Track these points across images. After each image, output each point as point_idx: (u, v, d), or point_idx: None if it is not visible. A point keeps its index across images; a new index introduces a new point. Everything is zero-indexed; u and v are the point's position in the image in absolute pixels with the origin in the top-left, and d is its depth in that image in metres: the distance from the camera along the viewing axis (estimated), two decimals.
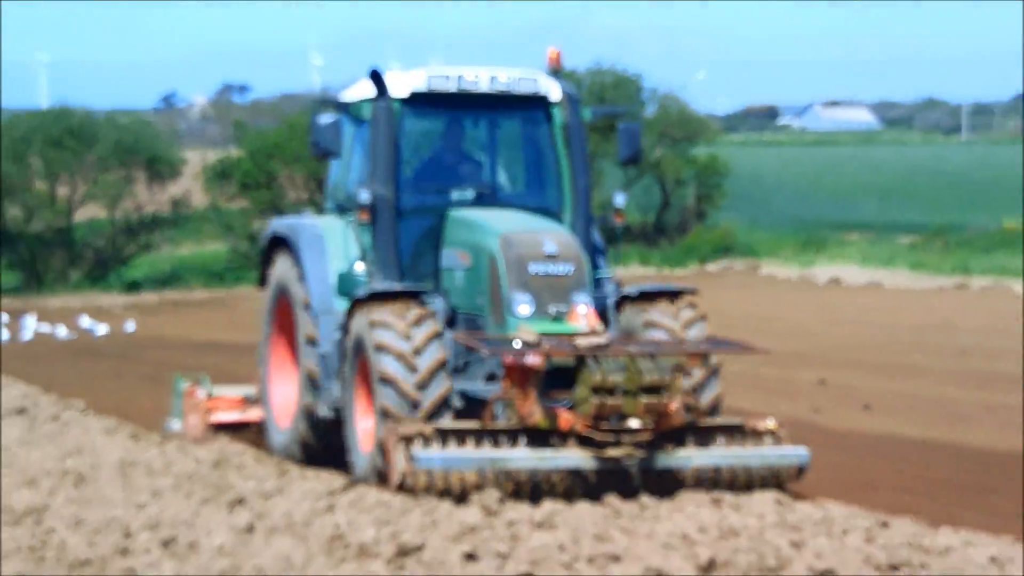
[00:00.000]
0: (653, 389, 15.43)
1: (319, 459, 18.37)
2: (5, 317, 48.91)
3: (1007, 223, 69.35)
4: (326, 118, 18.07)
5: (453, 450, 15.29)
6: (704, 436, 16.18)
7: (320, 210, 20.31)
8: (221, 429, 21.17)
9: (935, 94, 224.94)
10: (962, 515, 15.75)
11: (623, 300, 17.68)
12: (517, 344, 15.70)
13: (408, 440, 15.27)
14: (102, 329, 45.27)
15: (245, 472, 18.08)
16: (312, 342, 18.25)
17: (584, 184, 18.53)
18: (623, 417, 15.37)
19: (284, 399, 19.47)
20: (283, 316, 19.42)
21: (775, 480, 16.02)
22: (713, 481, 15.78)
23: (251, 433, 21.21)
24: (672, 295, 17.63)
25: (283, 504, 15.78)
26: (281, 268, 19.20)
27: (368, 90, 18.21)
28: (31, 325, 45.53)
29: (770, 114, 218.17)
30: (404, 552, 13.26)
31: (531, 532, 13.80)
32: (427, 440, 15.30)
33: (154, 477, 17.77)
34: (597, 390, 15.28)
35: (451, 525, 14.27)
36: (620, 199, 18.99)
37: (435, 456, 15.07)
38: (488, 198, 18.56)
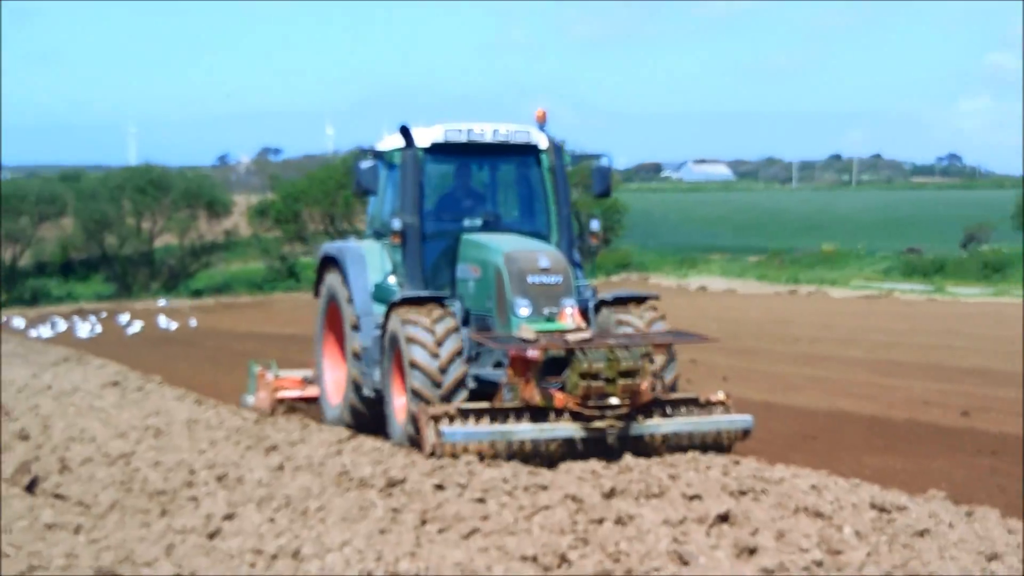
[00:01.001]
0: (628, 373, 14.54)
1: (364, 427, 17.47)
2: (103, 314, 48.63)
3: (824, 247, 69.46)
4: (366, 163, 17.20)
5: (471, 426, 14.37)
6: (668, 408, 15.29)
7: (360, 236, 19.72)
8: (285, 403, 20.03)
9: (774, 154, 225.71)
10: (791, 456, 15.76)
11: (600, 304, 16.74)
12: (521, 341, 14.83)
13: (437, 418, 14.44)
14: (173, 325, 44.92)
15: (277, 427, 17.99)
16: (356, 328, 17.31)
17: (567, 213, 17.57)
18: (605, 396, 14.51)
19: (334, 381, 18.64)
20: (333, 318, 18.55)
21: (726, 442, 15.22)
22: (676, 445, 14.92)
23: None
24: (639, 300, 16.75)
25: (305, 450, 15.74)
26: (331, 281, 18.30)
27: (398, 141, 17.28)
28: (126, 320, 45.09)
29: (655, 169, 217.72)
30: (392, 484, 13.22)
31: (483, 469, 13.67)
32: (451, 418, 14.45)
33: (212, 431, 17.69)
34: (584, 375, 14.43)
35: (425, 465, 14.20)
36: (595, 224, 17.86)
37: (458, 431, 14.21)
38: (492, 225, 17.51)
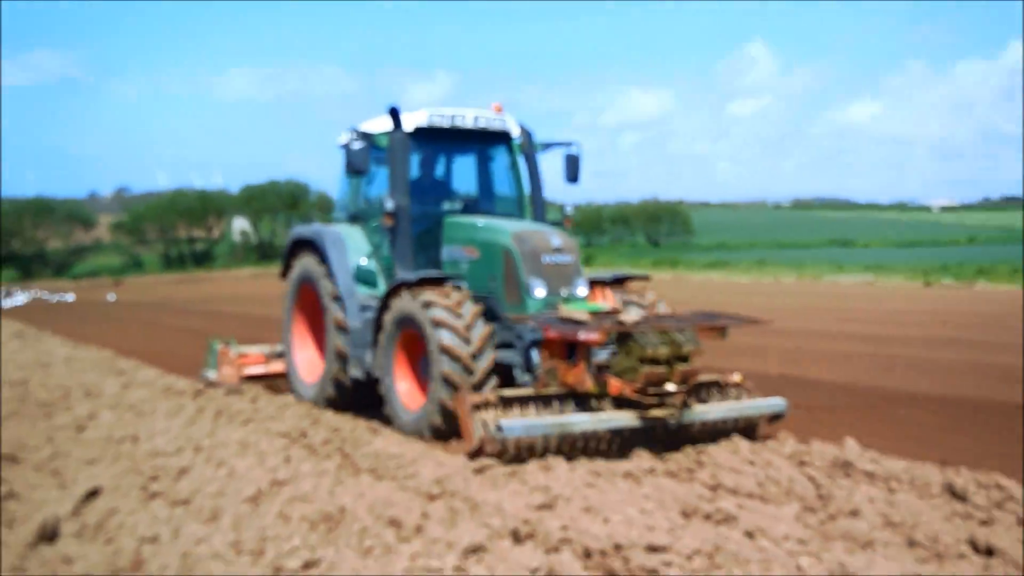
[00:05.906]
0: (684, 357, 10.68)
1: (345, 402, 13.79)
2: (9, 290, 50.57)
3: None
4: (357, 144, 13.02)
5: (530, 418, 10.37)
6: (700, 391, 11.74)
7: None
8: (251, 379, 15.81)
9: None
10: None
11: (593, 284, 13.14)
12: (573, 322, 10.96)
13: (478, 407, 10.45)
14: (67, 297, 46.33)
15: (127, 363, 18.76)
16: (341, 327, 13.50)
17: (540, 197, 14.01)
18: (662, 382, 10.60)
19: (306, 360, 14.70)
20: (304, 298, 14.68)
21: (760, 424, 11.63)
22: (719, 429, 11.23)
23: (129, 344, 21.44)
24: (626, 279, 13.39)
25: (144, 374, 16.85)
26: (304, 263, 14.41)
27: (386, 124, 13.55)
28: (23, 295, 46.19)
29: None
30: (198, 393, 14.29)
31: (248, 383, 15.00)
32: (493, 407, 10.55)
33: (82, 363, 18.62)
34: (644, 360, 10.52)
35: (218, 400, 14.32)
36: (569, 208, 14.10)
37: (516, 424, 10.09)
38: (472, 207, 13.88)
